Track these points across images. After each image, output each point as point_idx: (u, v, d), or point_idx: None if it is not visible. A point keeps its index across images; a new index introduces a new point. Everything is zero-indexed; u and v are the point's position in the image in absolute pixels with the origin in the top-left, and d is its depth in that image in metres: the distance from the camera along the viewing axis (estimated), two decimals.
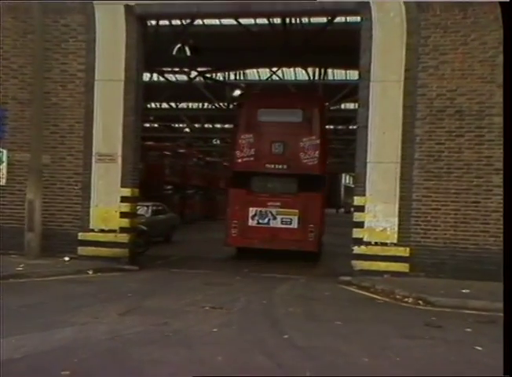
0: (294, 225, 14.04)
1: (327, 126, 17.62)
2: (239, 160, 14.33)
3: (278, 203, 14.19)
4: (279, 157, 14.25)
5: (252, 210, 14.17)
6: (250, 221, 14.12)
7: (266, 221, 14.15)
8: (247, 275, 11.30)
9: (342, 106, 27.56)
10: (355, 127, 12.45)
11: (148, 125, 36.00)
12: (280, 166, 14.30)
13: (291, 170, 14.17)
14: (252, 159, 14.28)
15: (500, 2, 6.80)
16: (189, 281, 10.19)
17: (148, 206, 16.89)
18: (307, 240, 13.90)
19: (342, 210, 51.86)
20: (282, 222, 14.12)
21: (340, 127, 32.43)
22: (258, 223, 14.11)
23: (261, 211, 14.14)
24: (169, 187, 26.95)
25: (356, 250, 10.76)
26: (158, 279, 10.48)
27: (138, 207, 13.63)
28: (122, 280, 10.12)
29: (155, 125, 36.81)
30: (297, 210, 14.00)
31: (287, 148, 14.26)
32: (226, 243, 14.47)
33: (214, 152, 48.00)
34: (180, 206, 25.96)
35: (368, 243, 10.73)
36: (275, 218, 14.15)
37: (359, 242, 10.76)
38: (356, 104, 12.68)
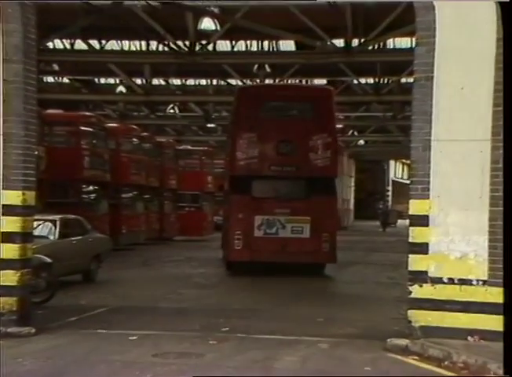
0: (306, 234, 19.69)
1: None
2: (241, 162, 20.16)
3: (287, 210, 19.66)
4: (287, 158, 19.90)
5: (258, 219, 19.63)
6: (256, 231, 19.62)
7: (274, 230, 19.68)
8: (228, 336, 11.40)
9: (388, 44, 27.57)
10: (410, 81, 12.43)
11: (50, 79, 35.98)
12: (288, 168, 19.95)
13: (301, 173, 19.86)
14: (255, 160, 20.00)
15: (500, 2, 9.70)
16: (127, 351, 10.25)
17: (53, 222, 17.00)
18: (321, 251, 19.64)
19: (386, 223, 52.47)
20: (292, 232, 19.68)
21: (384, 81, 32.52)
22: (266, 233, 19.69)
23: (268, 220, 19.62)
24: (91, 188, 27.12)
25: (416, 291, 10.75)
26: (70, 349, 10.45)
27: (36, 224, 13.57)
28: (2, 353, 9.86)
29: (65, 79, 36.69)
30: (309, 218, 19.61)
31: (295, 148, 19.86)
32: (229, 258, 20.42)
33: (170, 128, 48.12)
34: (110, 221, 26.15)
35: (437, 281, 10.69)
36: (284, 227, 19.66)
37: (420, 278, 10.75)
38: (413, 40, 12.66)
